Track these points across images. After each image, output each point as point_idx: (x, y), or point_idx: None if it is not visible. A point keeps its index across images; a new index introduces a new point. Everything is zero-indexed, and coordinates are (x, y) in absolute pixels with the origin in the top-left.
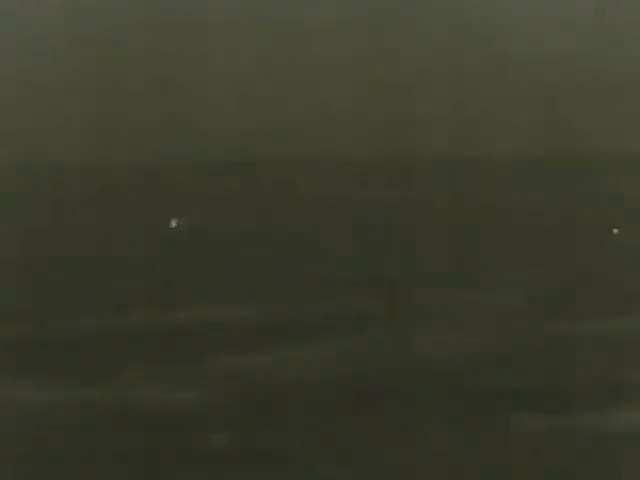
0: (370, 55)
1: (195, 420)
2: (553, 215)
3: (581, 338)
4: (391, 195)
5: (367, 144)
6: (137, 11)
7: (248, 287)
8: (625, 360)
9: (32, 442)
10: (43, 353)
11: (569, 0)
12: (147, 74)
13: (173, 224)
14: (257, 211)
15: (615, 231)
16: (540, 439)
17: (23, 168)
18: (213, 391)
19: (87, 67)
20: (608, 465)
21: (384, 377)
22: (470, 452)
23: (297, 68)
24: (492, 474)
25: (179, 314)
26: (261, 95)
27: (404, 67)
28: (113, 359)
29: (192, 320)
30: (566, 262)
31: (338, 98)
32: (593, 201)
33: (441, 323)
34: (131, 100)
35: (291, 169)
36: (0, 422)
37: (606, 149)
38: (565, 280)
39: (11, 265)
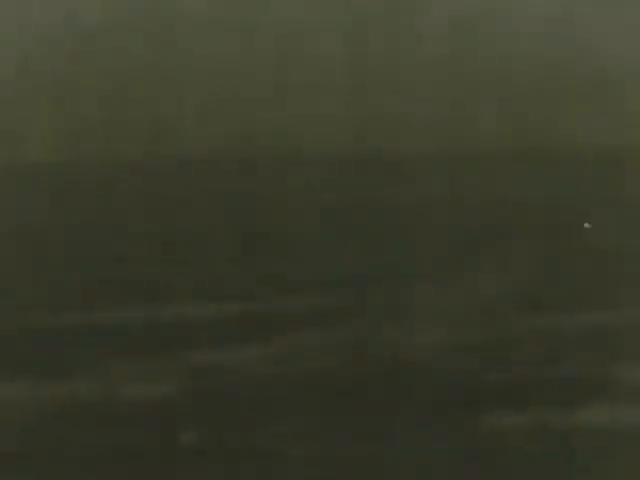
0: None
1: (165, 416)
2: (532, 210)
3: (563, 332)
4: (374, 193)
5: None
6: (125, 10)
7: (221, 284)
8: (606, 355)
9: None
10: None
11: None
12: (139, 73)
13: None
14: (242, 209)
15: (586, 225)
16: (519, 434)
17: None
18: (182, 388)
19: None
20: (585, 460)
21: (362, 372)
22: (447, 448)
23: (289, 67)
24: (468, 469)
25: (149, 310)
26: (252, 94)
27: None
28: (81, 355)
29: (162, 316)
30: (545, 257)
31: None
32: (568, 197)
33: (422, 318)
34: (123, 99)
35: (281, 168)
36: None
37: (577, 144)
38: (544, 275)
39: None
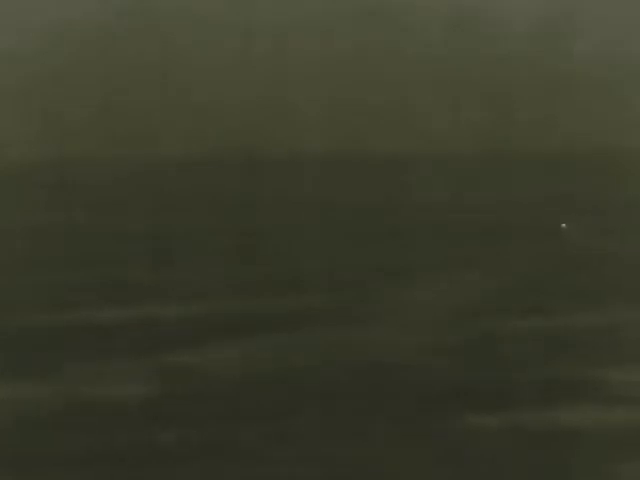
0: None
1: (133, 418)
2: (498, 212)
3: (530, 335)
4: (350, 194)
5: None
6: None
7: (201, 284)
8: (572, 357)
9: None
10: None
11: None
12: (139, 72)
13: None
14: (225, 208)
15: (563, 226)
16: (487, 437)
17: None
18: (151, 388)
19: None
20: (555, 462)
21: (330, 374)
22: (416, 450)
23: (283, 65)
24: (437, 472)
25: (114, 311)
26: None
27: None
28: (49, 356)
29: (130, 317)
30: (512, 260)
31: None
32: (540, 198)
33: (389, 322)
34: (125, 100)
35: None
36: None
37: (554, 147)
38: (512, 278)
39: None
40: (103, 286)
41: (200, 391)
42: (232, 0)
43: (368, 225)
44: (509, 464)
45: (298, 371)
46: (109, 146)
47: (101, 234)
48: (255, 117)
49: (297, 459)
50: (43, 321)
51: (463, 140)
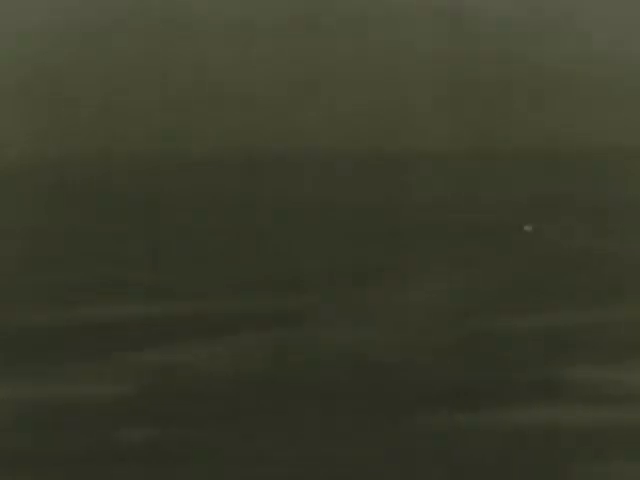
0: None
1: (104, 416)
2: (497, 212)
3: (523, 335)
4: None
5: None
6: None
7: (173, 284)
8: (546, 357)
9: None
10: None
11: None
12: (144, 72)
13: None
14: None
15: (527, 228)
16: (459, 436)
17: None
18: (122, 387)
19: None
20: (545, 462)
21: (301, 374)
22: (387, 451)
23: (283, 65)
24: (405, 472)
25: (84, 310)
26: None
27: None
28: (19, 356)
29: (101, 316)
30: (486, 260)
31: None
32: (509, 198)
33: (383, 321)
34: (125, 99)
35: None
36: None
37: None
38: (486, 278)
39: None
40: (88, 285)
41: (186, 389)
42: (232, 0)
43: (365, 225)
44: (498, 464)
45: (286, 370)
46: (109, 146)
47: (98, 234)
48: (255, 116)
49: (284, 459)
50: (29, 321)
51: (463, 140)
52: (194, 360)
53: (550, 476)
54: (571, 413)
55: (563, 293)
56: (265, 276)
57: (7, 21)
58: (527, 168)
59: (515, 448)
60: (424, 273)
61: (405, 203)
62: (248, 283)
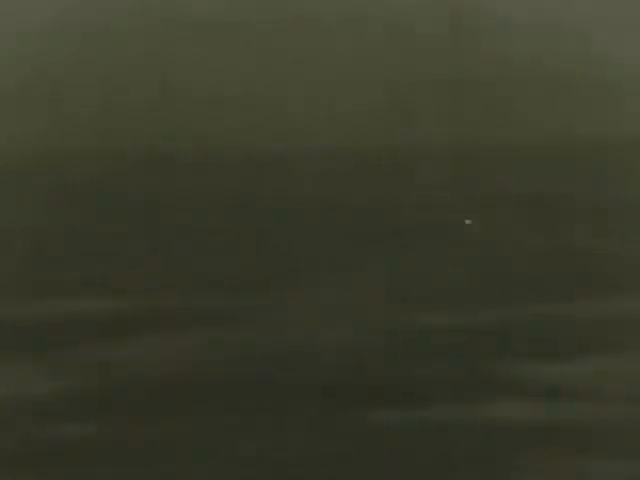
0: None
1: (49, 412)
2: (399, 209)
3: (435, 331)
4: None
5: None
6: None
7: (122, 280)
8: (477, 353)
9: None
10: None
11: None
12: (146, 72)
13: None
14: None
15: (467, 222)
16: (395, 433)
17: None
18: (67, 383)
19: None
20: (468, 455)
21: (235, 373)
22: (322, 449)
23: (284, 65)
24: (344, 469)
25: (33, 306)
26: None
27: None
28: None
29: (47, 312)
30: (416, 257)
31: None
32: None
33: (311, 318)
34: (125, 99)
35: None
36: None
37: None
38: (417, 274)
39: None
40: (22, 284)
41: (122, 387)
42: (232, 0)
43: (268, 226)
44: (418, 459)
45: (221, 368)
46: (108, 145)
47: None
48: (255, 116)
49: (200, 455)
50: None
51: (462, 137)
52: (129, 357)
53: (482, 469)
54: (506, 408)
55: (500, 290)
56: (199, 276)
57: (7, 21)
58: (527, 168)
59: (445, 442)
60: (339, 272)
61: (407, 202)
62: (180, 283)
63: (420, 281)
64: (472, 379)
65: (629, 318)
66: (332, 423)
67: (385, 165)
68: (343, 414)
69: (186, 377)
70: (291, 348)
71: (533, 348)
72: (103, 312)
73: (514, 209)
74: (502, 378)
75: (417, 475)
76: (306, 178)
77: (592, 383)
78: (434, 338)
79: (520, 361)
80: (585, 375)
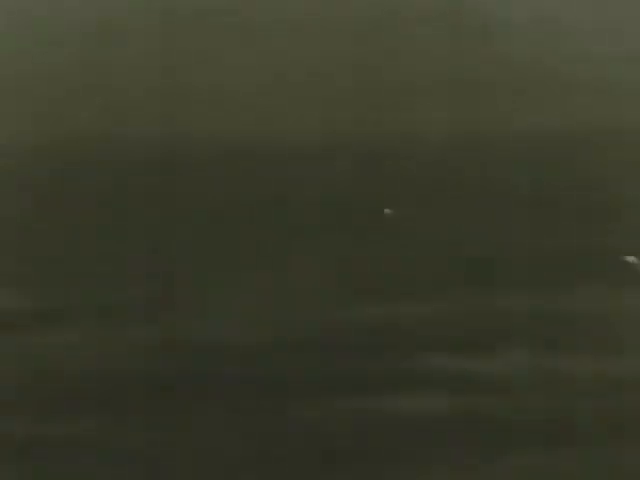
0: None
1: None
2: (339, 197)
3: (372, 323)
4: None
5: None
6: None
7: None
8: (412, 345)
9: None
10: None
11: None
12: (151, 70)
13: None
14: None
15: (386, 211)
16: (333, 422)
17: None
18: None
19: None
20: (399, 446)
21: (170, 366)
22: (258, 441)
23: (284, 65)
24: (280, 462)
25: None
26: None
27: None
28: None
29: None
30: (352, 246)
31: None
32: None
33: (232, 311)
34: (125, 99)
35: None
36: None
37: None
38: (352, 265)
39: None
40: None
41: (37, 378)
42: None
43: (194, 220)
44: (332, 451)
45: (121, 362)
46: (108, 145)
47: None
48: (255, 116)
49: (123, 452)
50: None
51: (462, 137)
52: (46, 350)
53: (401, 463)
54: (427, 401)
55: (420, 282)
56: (123, 269)
57: (7, 21)
58: (526, 167)
59: (365, 437)
60: (288, 264)
61: (292, 199)
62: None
63: (346, 276)
64: (392, 372)
65: (556, 314)
66: (244, 419)
67: (384, 165)
68: (259, 409)
69: (103, 372)
70: (201, 345)
71: (452, 341)
72: (21, 307)
73: (514, 209)
74: (420, 371)
75: (338, 468)
76: (301, 177)
77: (512, 377)
78: (354, 332)
79: (439, 354)
80: (504, 368)
